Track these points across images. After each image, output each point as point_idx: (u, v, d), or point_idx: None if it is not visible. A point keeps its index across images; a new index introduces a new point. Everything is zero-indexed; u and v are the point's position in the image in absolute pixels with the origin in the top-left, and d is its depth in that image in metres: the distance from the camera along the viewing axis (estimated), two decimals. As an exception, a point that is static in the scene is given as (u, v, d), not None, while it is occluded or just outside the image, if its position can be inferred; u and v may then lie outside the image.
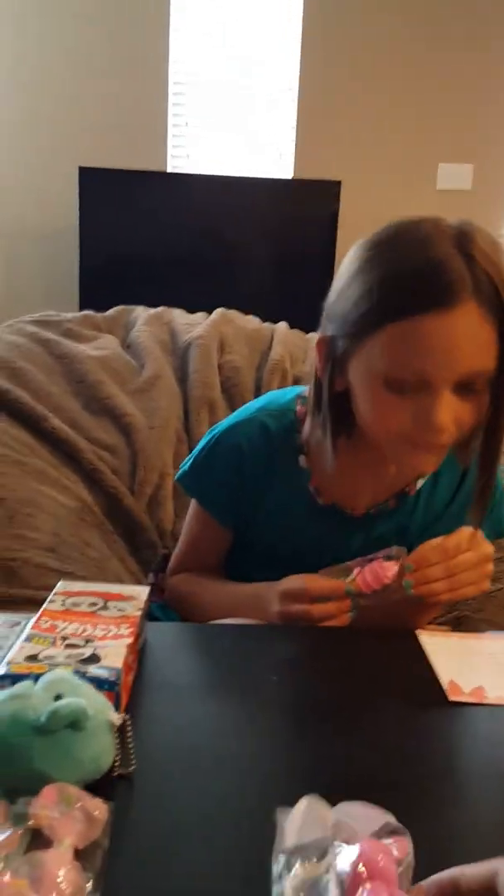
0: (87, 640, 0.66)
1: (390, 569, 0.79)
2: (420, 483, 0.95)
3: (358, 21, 3.64)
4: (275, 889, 0.45)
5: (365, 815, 0.47)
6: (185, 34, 3.64)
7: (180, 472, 1.05)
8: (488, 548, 0.81)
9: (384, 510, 0.95)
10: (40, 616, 0.71)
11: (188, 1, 3.62)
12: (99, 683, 0.60)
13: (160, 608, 1.08)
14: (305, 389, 0.97)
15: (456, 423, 0.77)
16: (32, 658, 0.62)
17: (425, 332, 0.73)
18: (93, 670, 0.61)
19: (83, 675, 0.60)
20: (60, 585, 0.78)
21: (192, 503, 1.06)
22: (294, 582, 0.85)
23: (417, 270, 0.73)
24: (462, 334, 0.73)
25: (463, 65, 3.69)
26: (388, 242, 0.78)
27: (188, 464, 1.03)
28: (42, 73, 3.60)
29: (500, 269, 0.74)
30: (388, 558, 0.81)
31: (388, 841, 0.46)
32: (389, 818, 0.47)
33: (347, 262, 0.82)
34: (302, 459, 0.95)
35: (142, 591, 0.78)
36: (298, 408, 0.97)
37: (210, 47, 3.68)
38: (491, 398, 0.78)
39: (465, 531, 0.81)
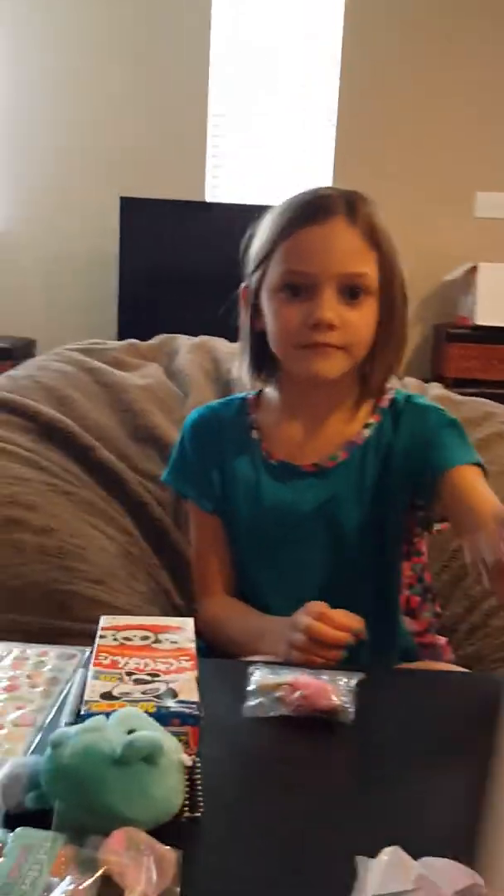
0: (153, 675, 0.65)
1: (328, 700, 0.69)
2: (367, 433, 1.01)
3: (395, 52, 3.68)
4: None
5: (449, 873, 0.45)
6: (224, 67, 3.70)
7: (163, 474, 1.13)
8: None
9: (336, 461, 1.00)
10: (98, 652, 0.71)
11: (228, 33, 3.68)
12: (183, 718, 0.59)
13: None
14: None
15: (343, 324, 0.91)
16: (108, 696, 0.62)
17: (304, 241, 0.92)
18: (175, 704, 0.60)
19: (167, 710, 0.59)
20: (105, 620, 0.78)
21: (190, 519, 1.11)
22: (304, 618, 0.84)
23: (302, 202, 0.94)
24: (333, 240, 0.91)
25: (500, 94, 3.70)
26: (287, 199, 0.98)
27: (168, 465, 1.12)
28: (85, 106, 3.68)
29: (377, 213, 0.95)
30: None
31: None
32: (477, 880, 0.45)
33: None
34: (254, 433, 1.05)
35: (187, 622, 0.77)
36: (250, 397, 1.09)
37: (249, 80, 3.74)
38: (379, 312, 0.94)
39: None
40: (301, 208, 0.94)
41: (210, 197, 3.76)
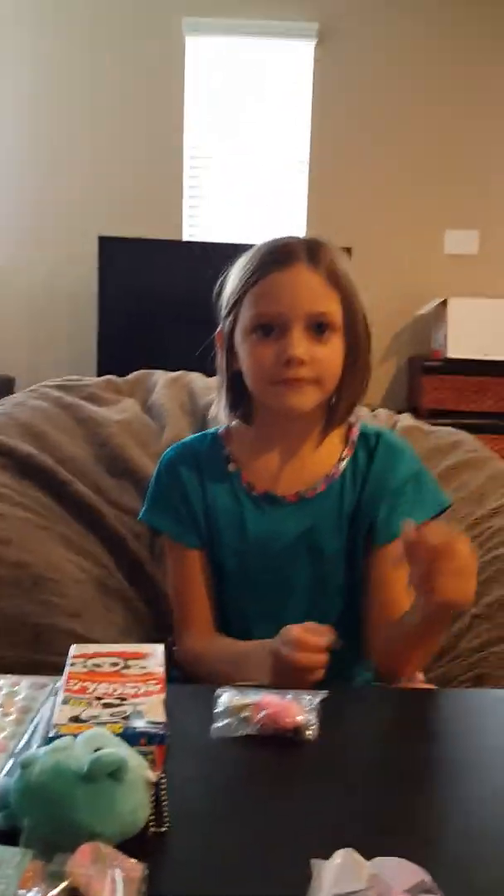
0: (122, 699, 0.67)
1: (291, 718, 0.71)
2: (343, 466, 1.06)
3: (365, 95, 3.80)
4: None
5: (400, 872, 0.47)
6: (199, 108, 3.81)
7: (142, 513, 1.13)
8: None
9: (316, 492, 1.05)
10: (68, 679, 0.72)
11: (203, 76, 3.79)
12: (149, 738, 0.61)
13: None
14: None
15: (313, 360, 0.97)
16: (77, 719, 0.64)
17: (271, 285, 0.98)
18: (141, 725, 0.63)
19: (133, 731, 0.61)
20: (75, 649, 0.80)
21: (166, 555, 1.12)
22: (288, 633, 0.88)
23: (266, 251, 1.00)
24: (297, 283, 0.97)
25: (467, 135, 3.83)
26: (254, 247, 1.04)
27: (144, 503, 1.13)
28: (64, 147, 3.76)
29: (338, 258, 1.00)
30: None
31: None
32: (425, 876, 0.48)
33: None
34: (231, 466, 1.08)
35: (157, 648, 0.79)
36: (221, 431, 1.13)
37: (224, 121, 3.84)
38: (345, 347, 1.00)
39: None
40: (266, 256, 1.00)
41: (187, 236, 3.83)
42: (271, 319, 0.98)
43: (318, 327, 0.98)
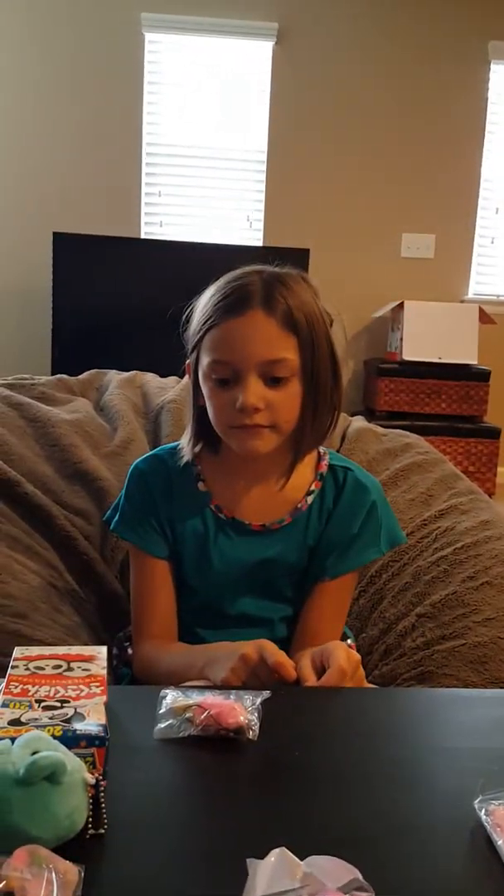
0: (63, 701, 0.67)
1: (234, 719, 0.72)
2: (310, 500, 1.07)
3: (324, 96, 3.83)
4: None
5: (333, 870, 0.48)
6: (158, 107, 3.80)
7: (112, 524, 1.13)
8: (356, 656, 0.90)
9: (282, 524, 1.07)
10: (8, 682, 0.72)
11: (161, 75, 3.78)
12: (89, 740, 0.61)
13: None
14: None
15: (268, 406, 0.97)
16: (16, 722, 0.63)
17: (224, 333, 0.98)
18: (81, 727, 0.62)
19: (74, 733, 0.61)
20: (18, 651, 0.79)
21: (130, 562, 1.13)
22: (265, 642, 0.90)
23: (225, 294, 0.99)
24: (252, 331, 0.97)
25: (426, 139, 3.88)
26: (220, 280, 1.03)
27: (116, 512, 1.13)
28: (18, 141, 3.72)
29: (297, 296, 0.98)
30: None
31: None
32: (356, 874, 0.48)
33: None
34: (201, 485, 1.09)
35: (101, 650, 0.79)
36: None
37: (182, 121, 3.83)
38: (305, 388, 1.00)
39: (339, 651, 0.87)
40: (223, 300, 0.99)
41: (144, 233, 3.82)
42: (226, 367, 0.98)
43: (273, 373, 0.98)
